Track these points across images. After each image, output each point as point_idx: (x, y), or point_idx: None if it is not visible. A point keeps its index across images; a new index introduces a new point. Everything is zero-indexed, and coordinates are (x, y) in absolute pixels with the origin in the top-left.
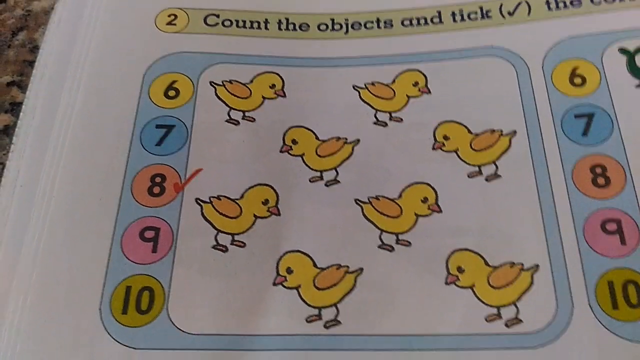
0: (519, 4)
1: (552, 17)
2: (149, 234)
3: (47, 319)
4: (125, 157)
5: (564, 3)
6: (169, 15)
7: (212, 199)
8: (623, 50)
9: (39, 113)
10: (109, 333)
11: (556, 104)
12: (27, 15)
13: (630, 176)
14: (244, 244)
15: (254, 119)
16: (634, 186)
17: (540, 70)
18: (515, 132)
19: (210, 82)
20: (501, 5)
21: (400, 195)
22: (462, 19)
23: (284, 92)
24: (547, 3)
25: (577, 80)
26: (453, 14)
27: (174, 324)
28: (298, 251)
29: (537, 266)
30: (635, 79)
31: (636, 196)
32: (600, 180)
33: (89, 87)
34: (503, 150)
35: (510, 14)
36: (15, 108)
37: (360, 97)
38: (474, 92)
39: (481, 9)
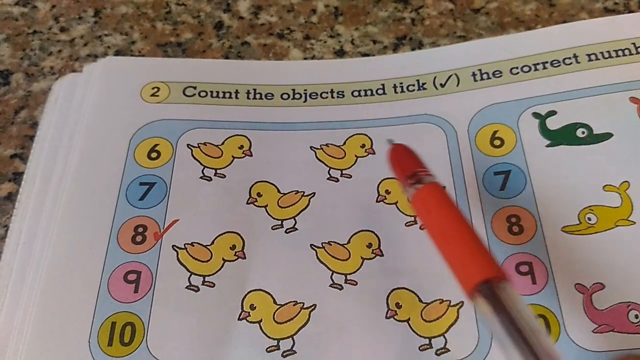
0: (450, 76)
1: (477, 87)
2: (132, 276)
3: (44, 350)
4: (113, 210)
5: (487, 74)
6: (153, 88)
7: (186, 245)
8: (536, 115)
9: (38, 181)
10: None
11: (479, 163)
12: (27, 95)
13: (540, 225)
14: (214, 284)
15: (225, 176)
16: (543, 233)
17: (466, 134)
18: (444, 187)
19: (187, 145)
20: (434, 78)
21: (349, 241)
22: (402, 90)
23: (251, 152)
24: (473, 75)
25: (497, 142)
26: (394, 86)
27: (152, 354)
28: (260, 290)
29: (462, 302)
30: (545, 140)
31: (545, 242)
32: (515, 229)
33: (82, 152)
34: None
35: (442, 85)
36: (17, 177)
37: (316, 156)
38: None
39: (418, 81)
